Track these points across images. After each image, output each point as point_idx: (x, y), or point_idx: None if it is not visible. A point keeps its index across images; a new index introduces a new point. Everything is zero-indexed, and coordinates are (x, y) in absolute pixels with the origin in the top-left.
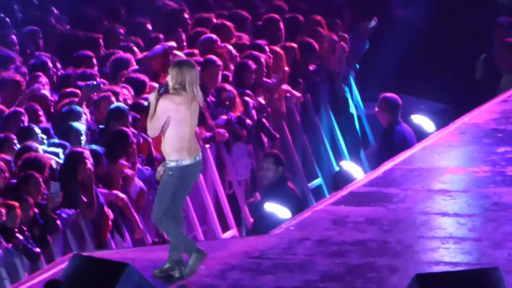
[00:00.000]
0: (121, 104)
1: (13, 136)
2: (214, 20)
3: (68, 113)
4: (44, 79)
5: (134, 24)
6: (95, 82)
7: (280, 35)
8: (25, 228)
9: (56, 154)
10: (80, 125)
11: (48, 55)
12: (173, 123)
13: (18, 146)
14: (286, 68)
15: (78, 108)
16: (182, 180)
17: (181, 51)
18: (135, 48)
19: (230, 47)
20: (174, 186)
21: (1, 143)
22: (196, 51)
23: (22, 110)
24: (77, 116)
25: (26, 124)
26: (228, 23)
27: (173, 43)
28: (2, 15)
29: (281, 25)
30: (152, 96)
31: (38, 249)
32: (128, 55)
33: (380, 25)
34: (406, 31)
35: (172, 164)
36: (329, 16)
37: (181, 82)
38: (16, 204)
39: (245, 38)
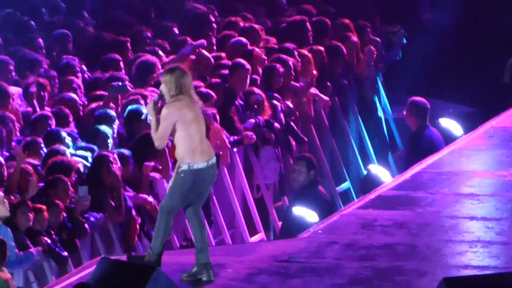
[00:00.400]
0: (141, 107)
1: (40, 140)
2: (241, 24)
3: (101, 116)
4: (76, 84)
5: (161, 27)
6: (120, 83)
7: (307, 38)
8: (53, 232)
9: (85, 158)
10: (107, 129)
11: (76, 59)
12: (181, 127)
13: (45, 150)
14: (314, 72)
15: (112, 112)
16: (194, 184)
17: (209, 54)
18: (160, 52)
19: (258, 50)
20: (184, 188)
21: (28, 147)
22: (223, 54)
23: (49, 114)
24: (111, 120)
25: (53, 127)
26: (257, 26)
27: (202, 41)
28: (26, 18)
29: (308, 28)
30: (150, 108)
31: (65, 253)
32: (153, 58)
33: (408, 29)
34: (434, 35)
35: (184, 167)
36: (358, 19)
37: (177, 88)
38: (44, 207)
39: (273, 42)
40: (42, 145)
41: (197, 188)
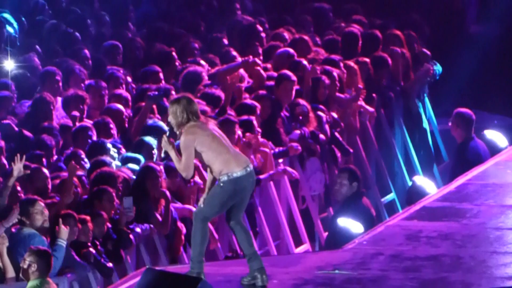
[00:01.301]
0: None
1: (81, 152)
2: (286, 35)
3: (153, 128)
4: (126, 95)
5: (211, 39)
6: (157, 93)
7: (357, 50)
8: (98, 243)
9: (133, 170)
10: (152, 140)
11: (120, 69)
12: (204, 148)
13: (86, 161)
14: (360, 85)
15: (161, 123)
16: (234, 193)
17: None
18: (202, 62)
19: (305, 62)
20: (223, 197)
21: (69, 159)
22: (269, 65)
23: (89, 125)
24: (163, 132)
25: (94, 138)
26: (306, 38)
27: (251, 57)
28: (71, 30)
29: (359, 40)
30: (165, 145)
31: (111, 264)
32: (200, 69)
33: (454, 40)
34: (480, 47)
35: (224, 178)
36: (407, 31)
37: (186, 116)
38: (88, 218)
39: (322, 53)
40: (83, 156)
41: (237, 197)
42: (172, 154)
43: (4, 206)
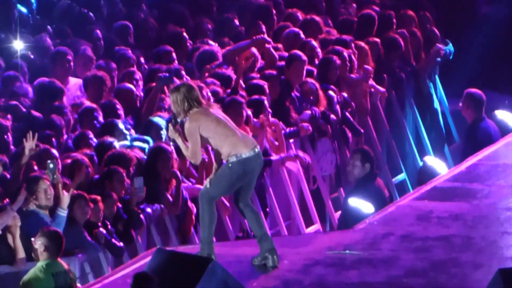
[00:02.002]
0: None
1: (89, 132)
2: (300, 16)
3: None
4: (138, 75)
5: (222, 19)
6: (167, 74)
7: (371, 32)
8: (108, 223)
9: (143, 150)
10: (161, 120)
11: (131, 50)
12: (210, 133)
13: (95, 141)
14: (371, 65)
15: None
16: (243, 174)
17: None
18: (211, 43)
19: (314, 43)
20: (232, 179)
21: (78, 140)
22: (280, 45)
23: (95, 106)
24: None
25: (100, 119)
26: (317, 18)
27: (263, 36)
28: (86, 11)
29: (375, 21)
30: (171, 132)
31: (121, 244)
32: (213, 48)
33: (465, 22)
34: (490, 27)
35: (233, 159)
36: (421, 11)
37: (188, 103)
38: (98, 198)
39: (334, 34)
40: (91, 136)
41: (245, 178)
42: (179, 141)
43: (18, 185)
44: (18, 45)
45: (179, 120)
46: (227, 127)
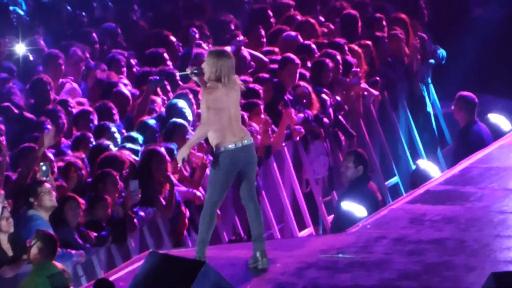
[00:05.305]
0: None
1: (90, 135)
2: (299, 18)
3: (171, 108)
4: (125, 80)
5: (216, 21)
6: (158, 78)
7: (357, 33)
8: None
9: (136, 152)
10: (154, 122)
11: (124, 52)
12: (212, 113)
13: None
14: (364, 67)
15: (181, 105)
16: (227, 167)
17: (260, 49)
18: (204, 46)
19: (314, 46)
20: (218, 174)
21: (78, 141)
22: (276, 49)
23: (90, 109)
24: (181, 113)
25: (95, 122)
26: (312, 21)
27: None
28: (79, 12)
29: (359, 23)
30: (191, 74)
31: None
32: (201, 51)
33: (457, 24)
34: (483, 30)
35: (219, 150)
36: (407, 14)
37: (216, 73)
38: (82, 201)
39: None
40: (92, 139)
41: (232, 170)
42: (198, 80)
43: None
44: (20, 48)
45: (196, 78)
46: (225, 119)
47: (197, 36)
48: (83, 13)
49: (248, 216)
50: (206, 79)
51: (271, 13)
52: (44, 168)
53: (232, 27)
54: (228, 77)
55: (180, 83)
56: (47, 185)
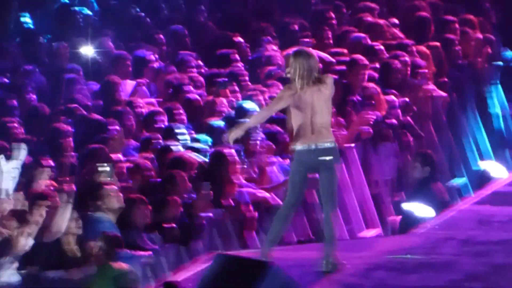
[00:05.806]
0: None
1: (158, 136)
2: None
3: (239, 109)
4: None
5: (281, 24)
6: (226, 79)
7: (428, 34)
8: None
9: (205, 154)
10: (221, 123)
11: (192, 54)
12: (290, 114)
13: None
14: (432, 69)
15: (247, 105)
16: (297, 167)
17: (328, 50)
18: (274, 47)
19: (382, 47)
20: (291, 175)
21: (146, 142)
22: (344, 50)
23: (160, 109)
24: (247, 112)
25: (165, 123)
26: (381, 21)
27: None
28: (144, 14)
29: (431, 24)
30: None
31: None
32: (272, 53)
33: None
34: None
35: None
36: (476, 16)
37: (294, 73)
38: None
39: (399, 36)
40: (160, 140)
41: (302, 171)
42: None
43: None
44: (88, 50)
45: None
46: (300, 120)
47: (269, 40)
48: (149, 15)
49: (324, 218)
50: (291, 78)
51: (333, 15)
52: (107, 169)
53: (298, 28)
54: (306, 76)
55: (249, 83)
56: (113, 186)
